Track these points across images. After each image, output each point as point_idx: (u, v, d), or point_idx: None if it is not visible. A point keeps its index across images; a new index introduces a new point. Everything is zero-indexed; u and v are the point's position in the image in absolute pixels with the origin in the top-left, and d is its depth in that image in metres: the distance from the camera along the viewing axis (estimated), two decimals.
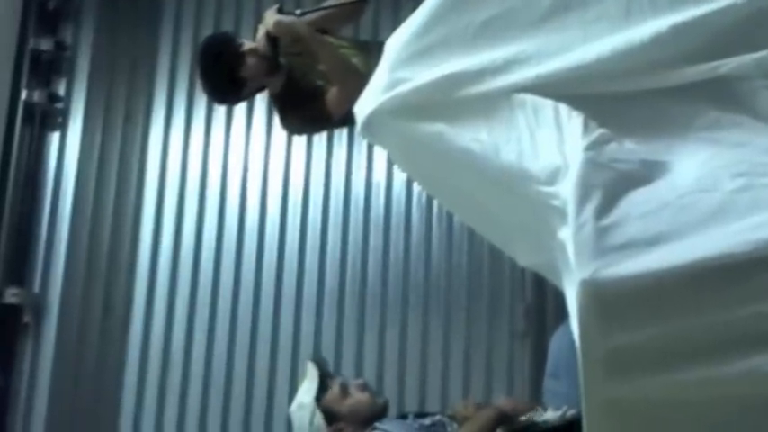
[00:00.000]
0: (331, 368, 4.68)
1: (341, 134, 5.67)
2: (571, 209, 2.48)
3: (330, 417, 4.19)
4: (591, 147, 2.60)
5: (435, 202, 5.57)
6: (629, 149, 2.66)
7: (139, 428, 5.64)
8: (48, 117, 5.97)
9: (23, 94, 5.83)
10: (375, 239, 5.69)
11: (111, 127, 6.01)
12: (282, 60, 4.59)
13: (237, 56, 4.49)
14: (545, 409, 3.82)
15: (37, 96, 5.90)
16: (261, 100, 5.27)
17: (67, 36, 6.10)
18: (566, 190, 2.54)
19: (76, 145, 5.95)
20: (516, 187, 2.72)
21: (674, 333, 2.37)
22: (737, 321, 2.34)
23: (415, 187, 5.58)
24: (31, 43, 5.93)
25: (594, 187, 2.51)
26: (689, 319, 2.37)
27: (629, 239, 2.42)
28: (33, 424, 5.58)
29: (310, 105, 4.49)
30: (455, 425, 4.19)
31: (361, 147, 5.65)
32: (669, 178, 2.58)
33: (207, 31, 5.42)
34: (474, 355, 5.49)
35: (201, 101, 5.76)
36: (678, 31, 2.73)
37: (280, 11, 4.46)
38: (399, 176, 5.63)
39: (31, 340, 5.69)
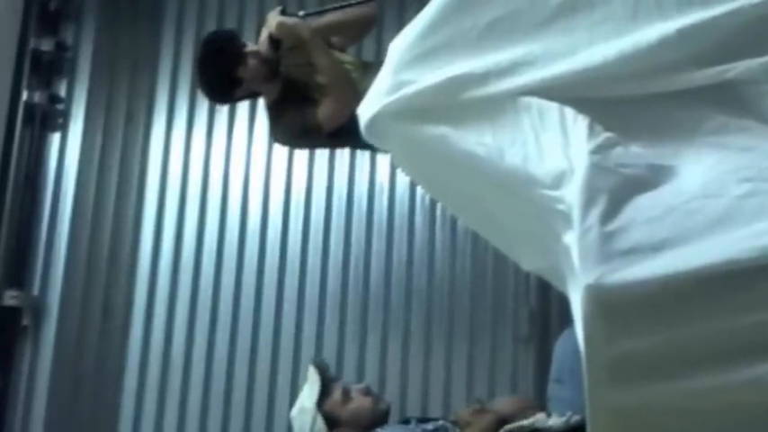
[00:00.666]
0: (333, 372, 4.66)
1: None
2: (576, 213, 2.47)
3: (331, 422, 4.18)
4: (596, 150, 2.58)
5: (439, 206, 5.53)
6: (635, 153, 2.64)
7: (139, 429, 5.61)
8: (48, 118, 5.93)
9: (24, 95, 5.79)
10: (378, 243, 5.65)
11: (112, 128, 5.98)
12: (282, 69, 4.58)
13: (239, 54, 4.47)
14: (549, 415, 3.80)
15: (37, 97, 5.85)
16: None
17: (68, 36, 6.06)
18: (571, 194, 2.52)
19: (77, 146, 5.91)
20: (521, 191, 2.70)
21: (679, 340, 2.35)
22: (743, 329, 2.33)
23: (419, 190, 5.54)
24: (32, 44, 5.88)
25: (600, 192, 2.49)
26: (694, 326, 2.35)
27: (635, 245, 2.40)
28: (32, 427, 5.55)
29: (301, 116, 4.45)
30: (458, 430, 4.17)
31: (363, 150, 5.60)
32: (675, 183, 2.57)
33: (208, 32, 5.35)
34: (477, 359, 5.45)
35: (204, 102, 5.72)
36: (685, 34, 2.71)
37: (283, 12, 4.44)
38: (403, 179, 5.59)
39: (29, 343, 5.65)
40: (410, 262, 5.60)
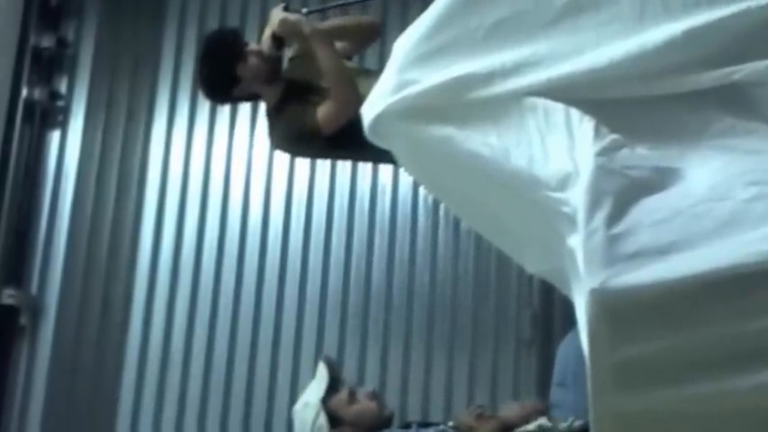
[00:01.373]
0: (342, 371, 4.63)
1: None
2: (581, 216, 2.45)
3: (334, 420, 4.15)
4: (602, 153, 2.57)
5: (442, 207, 5.51)
6: (642, 156, 2.62)
7: (137, 427, 5.58)
8: (48, 115, 5.90)
9: (24, 92, 5.76)
10: (380, 243, 5.62)
11: (112, 125, 5.95)
12: (284, 72, 4.57)
13: (240, 52, 4.44)
14: (551, 420, 3.78)
15: (38, 94, 5.83)
16: None
17: (69, 33, 6.03)
18: (576, 196, 2.50)
19: (77, 143, 5.88)
20: (526, 193, 2.69)
21: (684, 345, 2.34)
22: (749, 334, 2.31)
23: (422, 191, 5.52)
24: (33, 40, 5.85)
25: (605, 194, 2.47)
26: (700, 331, 2.33)
27: (641, 248, 2.38)
28: (29, 426, 5.53)
29: (300, 118, 4.40)
30: None
31: (365, 162, 5.57)
32: (682, 186, 2.55)
33: (211, 29, 5.34)
34: (479, 362, 5.43)
35: (205, 101, 5.68)
36: (692, 35, 2.69)
37: (285, 9, 4.42)
38: (406, 180, 5.55)
39: (27, 342, 5.62)
40: (412, 262, 5.58)
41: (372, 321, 5.54)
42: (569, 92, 2.73)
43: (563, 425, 3.66)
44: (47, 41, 5.89)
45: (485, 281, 5.51)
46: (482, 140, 2.74)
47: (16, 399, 5.53)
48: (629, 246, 2.38)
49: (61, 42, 5.96)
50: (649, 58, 2.70)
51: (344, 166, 5.68)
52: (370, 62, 4.94)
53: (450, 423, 4.30)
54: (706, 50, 2.69)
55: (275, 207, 5.74)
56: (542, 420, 3.84)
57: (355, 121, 3.08)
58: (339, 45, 4.56)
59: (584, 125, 2.64)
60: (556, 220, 2.59)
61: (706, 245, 2.36)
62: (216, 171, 5.84)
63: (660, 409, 2.36)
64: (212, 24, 5.77)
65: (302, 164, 5.69)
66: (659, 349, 2.33)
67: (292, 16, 4.40)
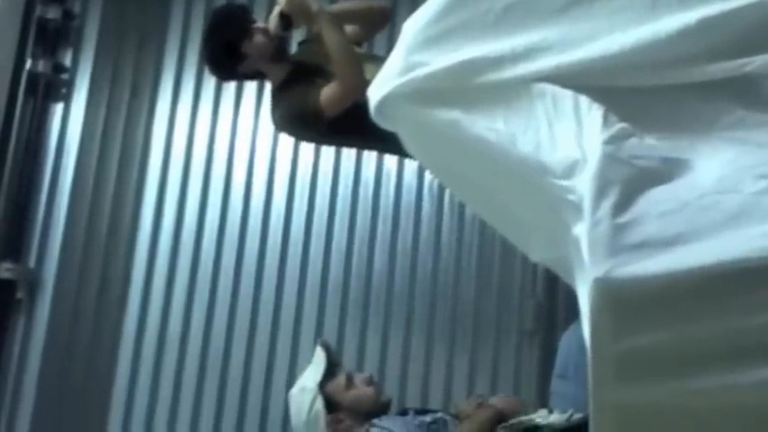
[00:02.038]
0: (340, 356, 4.62)
1: None
2: (587, 204, 2.43)
3: (331, 405, 4.13)
4: (610, 141, 2.55)
5: (447, 193, 5.47)
6: (650, 145, 2.60)
7: (131, 409, 5.55)
8: (52, 88, 5.83)
9: (28, 63, 5.70)
10: (383, 230, 5.58)
11: (116, 101, 5.91)
12: (292, 55, 4.54)
13: (246, 29, 4.40)
14: (550, 412, 3.75)
15: (42, 66, 5.76)
16: None
17: (76, 5, 5.95)
18: (583, 184, 2.49)
19: (80, 118, 5.83)
20: (531, 179, 2.67)
21: (687, 338, 2.32)
22: (754, 329, 2.30)
23: (427, 176, 5.49)
24: (38, 11, 5.77)
25: (612, 183, 2.45)
26: (704, 325, 2.32)
27: (646, 238, 2.36)
28: (22, 402, 5.48)
29: (303, 98, 4.36)
30: (458, 423, 4.14)
31: (370, 150, 5.53)
32: (690, 177, 2.53)
33: (219, 5, 5.29)
34: (480, 351, 5.39)
35: (211, 79, 5.63)
36: (706, 25, 2.66)
37: None
38: (411, 165, 5.51)
39: (23, 317, 5.58)
40: (415, 249, 5.54)
41: (373, 308, 5.51)
42: (579, 79, 2.71)
43: (563, 417, 3.63)
44: (53, 13, 5.81)
45: (488, 270, 5.47)
46: (489, 125, 2.72)
47: (11, 372, 5.49)
48: (634, 236, 2.36)
49: (67, 14, 5.89)
50: (662, 47, 2.68)
51: (350, 151, 5.63)
52: (379, 47, 4.89)
53: (452, 410, 4.29)
54: (719, 41, 2.67)
55: (278, 189, 5.70)
56: (541, 412, 3.81)
57: (360, 107, 3.06)
58: (349, 29, 4.53)
59: (592, 112, 2.62)
60: (561, 208, 2.57)
61: (713, 237, 2.34)
62: (219, 151, 5.80)
63: (661, 402, 2.34)
64: (220, 2, 5.72)
65: (307, 146, 5.64)
66: (662, 341, 2.32)
67: None
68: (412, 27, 2.90)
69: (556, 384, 4.24)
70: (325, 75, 4.34)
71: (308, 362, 4.45)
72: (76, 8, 5.96)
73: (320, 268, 5.59)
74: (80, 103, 5.85)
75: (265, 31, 4.39)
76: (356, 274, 5.56)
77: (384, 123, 2.93)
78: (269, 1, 5.04)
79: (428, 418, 4.16)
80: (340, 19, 4.42)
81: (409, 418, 4.15)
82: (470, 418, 4.05)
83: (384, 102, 2.87)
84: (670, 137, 2.64)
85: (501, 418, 3.94)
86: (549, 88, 2.70)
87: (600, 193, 2.42)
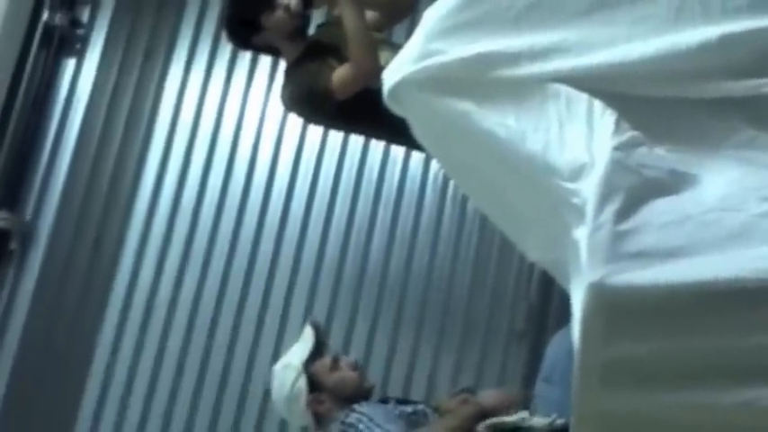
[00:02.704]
0: (328, 337, 4.60)
1: None
2: (590, 208, 2.44)
3: (314, 385, 4.12)
4: (620, 147, 2.55)
5: (451, 186, 5.47)
6: (659, 156, 2.60)
7: (112, 369, 5.54)
8: (66, 42, 5.82)
9: (45, 15, 5.69)
10: (383, 215, 5.57)
11: (129, 61, 5.89)
12: (311, 36, 4.55)
13: (269, 1, 4.40)
14: (533, 414, 3.75)
15: (58, 19, 5.73)
16: None
17: None
18: (588, 188, 2.50)
19: (92, 74, 5.83)
20: (537, 179, 2.68)
21: (676, 351, 2.34)
22: (744, 350, 2.31)
23: (433, 167, 5.49)
24: None
25: (618, 189, 2.46)
26: (695, 340, 2.34)
27: (646, 248, 2.38)
28: (4, 352, 5.50)
29: (314, 77, 4.37)
30: (437, 417, 4.13)
31: (378, 139, 5.51)
32: (695, 192, 2.53)
33: None
34: (468, 347, 5.38)
35: (226, 49, 5.65)
36: (726, 42, 2.65)
37: None
38: (417, 155, 5.49)
39: (13, 268, 5.59)
40: (414, 239, 5.53)
41: (366, 292, 5.50)
42: (595, 83, 2.70)
43: (545, 421, 3.63)
44: None
45: (484, 267, 5.46)
46: (500, 120, 2.72)
47: None
48: (634, 244, 2.38)
49: None
50: (681, 59, 2.67)
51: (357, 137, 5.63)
52: (399, 35, 4.85)
53: (433, 403, 4.29)
54: (739, 59, 2.66)
55: (282, 166, 5.68)
56: (524, 414, 3.81)
57: (372, 93, 3.06)
58: (370, 15, 4.51)
59: (605, 118, 2.62)
60: (564, 210, 2.58)
61: (712, 254, 2.35)
62: (227, 122, 5.78)
63: (643, 413, 2.36)
64: None
65: (315, 127, 5.63)
66: (651, 352, 2.34)
67: None
68: (433, 15, 2.88)
69: (541, 388, 4.23)
70: (340, 56, 4.34)
71: (296, 339, 4.43)
72: None
73: (316, 248, 5.58)
74: (93, 60, 5.85)
75: (287, 8, 4.38)
76: (352, 258, 5.55)
77: (396, 108, 2.93)
78: None
79: (409, 409, 4.15)
80: (362, 3, 4.41)
81: (390, 406, 4.13)
82: (453, 413, 4.04)
83: (398, 86, 2.87)
84: (679, 150, 2.63)
85: (483, 415, 3.93)
86: (564, 89, 2.70)
87: (604, 199, 2.43)
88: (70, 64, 5.84)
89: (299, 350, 4.25)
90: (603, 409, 2.35)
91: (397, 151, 5.61)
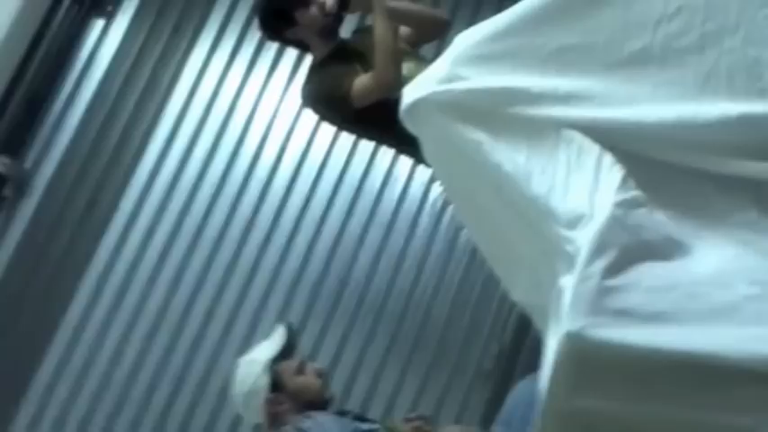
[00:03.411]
0: (300, 341, 4.59)
1: None
2: (581, 259, 2.44)
3: (275, 384, 4.10)
4: (622, 205, 2.55)
5: (448, 214, 5.49)
6: (659, 221, 2.60)
7: (80, 334, 5.52)
8: (98, 1, 5.85)
9: None
10: (376, 231, 5.57)
11: (156, 32, 5.90)
12: (342, 40, 4.59)
13: None
14: None
15: None
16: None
17: None
18: (583, 238, 2.49)
19: (117, 38, 5.85)
20: (535, 220, 2.68)
21: (642, 415, 2.35)
22: (708, 427, 2.30)
23: (432, 193, 5.52)
24: None
25: (612, 245, 2.46)
26: (661, 408, 2.35)
27: (629, 308, 2.38)
28: None
29: (336, 80, 4.39)
30: None
31: (389, 147, 5.51)
32: (687, 262, 2.53)
33: None
34: (433, 377, 5.37)
35: (253, 37, 5.68)
36: (745, 121, 2.66)
37: None
38: (420, 178, 5.56)
39: (3, 215, 5.59)
40: (401, 260, 5.53)
41: (343, 304, 5.50)
42: (610, 137, 2.70)
43: None
44: None
45: (464, 301, 5.46)
46: (510, 156, 2.72)
47: None
48: (619, 301, 2.37)
49: None
50: (698, 130, 2.67)
51: (365, 145, 5.64)
52: (427, 50, 4.87)
53: (388, 424, 4.28)
54: (755, 140, 2.66)
55: (286, 164, 5.70)
56: None
57: (391, 103, 3.06)
58: (404, 29, 4.54)
59: (612, 173, 2.62)
60: (555, 256, 2.57)
61: (693, 326, 2.35)
62: (240, 110, 5.80)
63: None
64: None
65: (325, 130, 5.64)
66: (613, 411, 2.34)
67: None
68: (464, 40, 2.89)
69: (498, 430, 4.24)
70: (366, 64, 4.35)
71: (265, 337, 4.43)
72: None
73: (303, 252, 5.60)
74: (122, 24, 5.88)
75: (322, 6, 4.42)
76: (336, 268, 5.56)
77: (409, 125, 2.93)
78: None
79: (365, 427, 4.14)
80: (397, 16, 4.43)
81: (346, 420, 4.12)
82: None
83: (416, 104, 2.86)
84: (680, 218, 2.63)
85: None
86: (578, 137, 2.70)
87: (597, 252, 2.43)
88: (99, 24, 5.86)
89: (267, 348, 4.24)
90: None
91: (401, 171, 5.63)
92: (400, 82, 3.73)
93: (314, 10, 4.43)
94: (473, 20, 5.11)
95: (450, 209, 5.37)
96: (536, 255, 2.71)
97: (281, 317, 5.32)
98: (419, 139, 2.96)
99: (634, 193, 2.59)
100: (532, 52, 2.82)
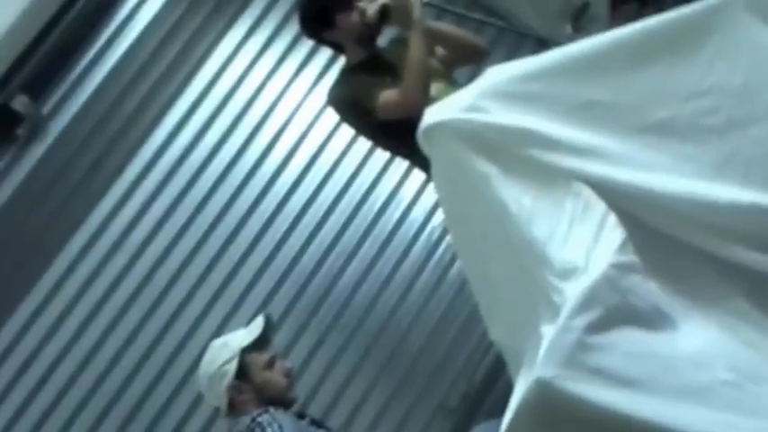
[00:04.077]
0: (276, 336, 4.57)
1: None
2: (566, 310, 2.46)
3: (242, 373, 4.09)
4: (617, 266, 2.57)
5: (442, 247, 5.51)
6: (650, 290, 2.62)
7: (51, 299, 5.45)
8: None
9: None
10: (369, 247, 5.58)
11: (196, 7, 5.87)
12: (379, 49, 4.59)
13: (347, 1, 4.45)
14: None
15: None
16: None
17: None
18: (572, 291, 2.50)
19: (156, 7, 5.77)
20: (528, 264, 2.69)
21: None
22: None
23: (433, 221, 5.53)
24: None
25: (599, 303, 2.48)
26: None
27: (605, 368, 2.39)
28: None
29: (364, 89, 4.39)
30: None
31: (403, 158, 5.51)
32: (671, 336, 2.55)
33: None
34: (395, 403, 5.36)
35: (290, 30, 5.66)
36: (755, 211, 2.68)
37: None
38: (424, 203, 5.59)
39: (9, 155, 5.54)
40: (388, 281, 5.54)
41: (324, 311, 5.49)
42: (619, 198, 2.71)
43: None
44: None
45: (442, 333, 5.47)
46: (516, 195, 2.74)
47: None
48: (595, 360, 2.39)
49: None
50: (707, 210, 2.68)
51: (379, 158, 5.65)
52: (460, 73, 4.87)
53: None
54: (761, 231, 2.66)
55: (295, 163, 5.68)
56: None
57: (413, 120, 3.06)
58: (441, 50, 4.56)
59: (614, 234, 2.64)
60: (542, 303, 2.59)
61: (665, 399, 2.36)
62: (262, 101, 5.76)
63: None
64: None
65: (340, 139, 5.66)
66: None
67: None
68: (496, 75, 2.91)
69: None
70: (397, 77, 4.36)
71: (242, 326, 4.42)
72: None
73: (292, 255, 5.58)
74: None
75: (363, 13, 4.42)
76: (324, 274, 5.56)
77: (424, 145, 2.94)
78: None
79: None
80: (435, 37, 4.46)
81: (304, 423, 4.11)
82: None
83: (435, 127, 2.88)
84: (672, 292, 2.65)
85: None
86: (587, 192, 2.71)
87: (583, 306, 2.45)
88: None
89: (242, 335, 4.22)
90: None
91: (407, 192, 5.64)
92: (425, 101, 3.72)
93: (355, 16, 4.44)
94: (510, 56, 5.14)
95: (447, 239, 5.36)
96: (521, 297, 2.72)
97: (260, 310, 5.30)
98: (430, 160, 2.97)
99: (632, 257, 2.61)
100: (560, 100, 2.84)
